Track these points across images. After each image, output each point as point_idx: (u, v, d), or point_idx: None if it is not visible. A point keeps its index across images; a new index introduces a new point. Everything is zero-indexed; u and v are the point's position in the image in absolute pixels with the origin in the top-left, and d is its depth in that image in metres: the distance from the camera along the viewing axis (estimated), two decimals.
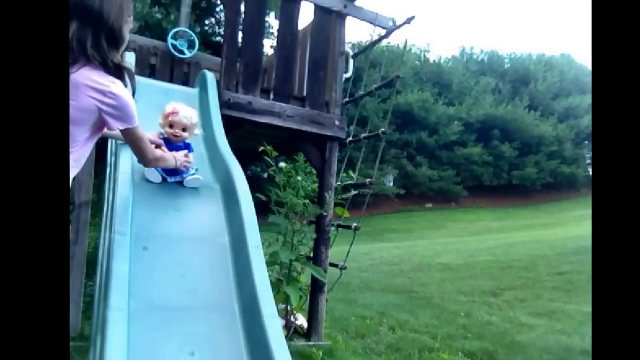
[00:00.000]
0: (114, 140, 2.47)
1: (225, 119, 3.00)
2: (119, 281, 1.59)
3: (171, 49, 4.93)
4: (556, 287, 6.05)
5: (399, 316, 4.72)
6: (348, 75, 4.10)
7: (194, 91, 3.34)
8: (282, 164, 3.62)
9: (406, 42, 5.87)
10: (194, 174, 2.24)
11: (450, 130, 28.22)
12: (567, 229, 13.21)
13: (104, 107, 1.53)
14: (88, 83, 1.48)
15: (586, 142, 29.80)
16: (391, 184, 26.98)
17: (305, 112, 3.65)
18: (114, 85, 1.53)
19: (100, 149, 2.98)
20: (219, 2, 12.36)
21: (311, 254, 3.73)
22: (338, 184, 3.85)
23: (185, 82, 4.82)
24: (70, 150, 1.47)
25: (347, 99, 4.25)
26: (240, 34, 3.53)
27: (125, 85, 1.63)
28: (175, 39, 5.01)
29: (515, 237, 12.13)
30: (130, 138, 1.78)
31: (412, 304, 5.40)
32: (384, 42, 4.49)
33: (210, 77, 3.25)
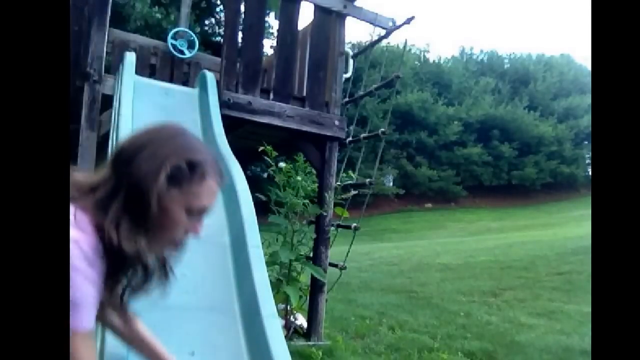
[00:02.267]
0: (114, 141, 2.48)
1: (225, 119, 3.00)
2: None
3: (171, 49, 4.93)
4: (556, 287, 6.05)
5: (398, 316, 4.72)
6: (348, 75, 4.10)
7: (194, 91, 3.34)
8: (282, 164, 3.62)
9: (406, 42, 5.87)
10: None
11: (449, 131, 28.23)
12: (567, 229, 13.21)
13: None
14: None
15: (586, 142, 29.82)
16: (391, 184, 26.99)
17: (305, 112, 3.65)
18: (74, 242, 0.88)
19: (101, 149, 2.99)
20: (219, 2, 12.36)
21: (311, 254, 3.73)
22: (338, 184, 3.85)
23: (185, 82, 4.81)
24: None
25: (346, 99, 4.25)
26: (240, 34, 3.53)
27: None
28: (176, 39, 5.00)
29: (515, 237, 12.14)
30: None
31: (411, 304, 5.40)
32: (384, 42, 4.51)
33: (210, 77, 3.25)
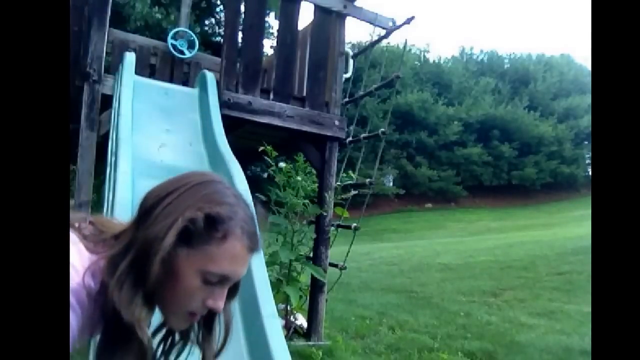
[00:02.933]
0: (113, 141, 2.48)
1: (225, 119, 3.00)
2: None
3: (171, 49, 4.93)
4: (556, 287, 6.05)
5: (398, 316, 4.72)
6: (348, 75, 4.10)
7: (194, 91, 3.34)
8: (282, 164, 3.62)
9: (406, 43, 5.86)
10: None
11: (450, 131, 28.23)
12: (567, 229, 13.21)
13: None
14: None
15: (586, 142, 29.81)
16: (391, 184, 26.98)
17: (305, 112, 3.65)
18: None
19: (101, 149, 2.99)
20: (219, 2, 12.35)
21: (311, 254, 3.74)
22: (338, 184, 3.85)
23: (185, 82, 4.82)
24: None
25: (346, 99, 4.25)
26: (240, 34, 3.53)
27: None
28: (176, 39, 5.00)
29: (515, 237, 12.14)
30: None
31: (411, 304, 5.39)
32: (384, 42, 4.50)
33: (210, 77, 3.25)
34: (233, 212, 0.83)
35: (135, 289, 0.80)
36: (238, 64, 3.45)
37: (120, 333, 0.82)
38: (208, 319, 0.92)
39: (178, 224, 0.79)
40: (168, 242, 0.78)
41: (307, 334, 3.63)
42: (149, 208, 0.84)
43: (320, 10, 3.74)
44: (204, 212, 0.80)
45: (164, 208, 0.82)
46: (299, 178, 3.44)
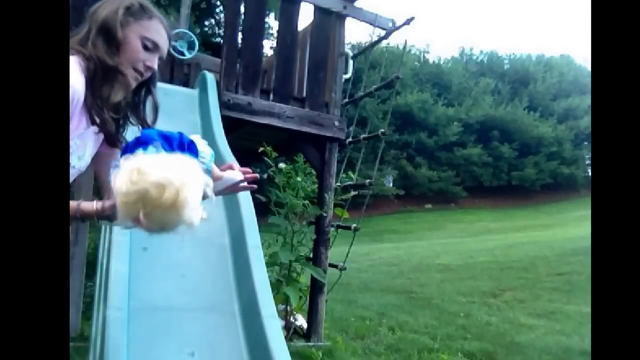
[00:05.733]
0: None
1: (225, 120, 3.01)
2: (119, 281, 1.59)
3: (171, 50, 4.92)
4: (555, 288, 6.05)
5: (398, 317, 4.72)
6: (348, 76, 4.10)
7: (194, 92, 3.35)
8: (281, 165, 3.62)
9: (406, 43, 5.85)
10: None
11: (449, 131, 28.23)
12: (567, 229, 13.21)
13: None
14: None
15: (585, 143, 29.79)
16: (391, 184, 26.97)
17: (304, 113, 3.65)
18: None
19: None
20: (218, 3, 12.36)
21: (311, 255, 3.73)
22: (338, 185, 3.85)
23: (186, 83, 4.81)
24: None
25: (346, 99, 4.25)
26: (240, 35, 3.53)
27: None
28: (175, 40, 5.00)
29: (515, 237, 12.14)
30: None
31: (411, 305, 5.40)
32: (384, 43, 4.51)
33: (210, 78, 3.26)
34: (156, 11, 1.26)
35: (109, 46, 1.19)
36: (238, 65, 3.45)
37: (105, 83, 1.19)
38: (138, 102, 1.32)
39: (123, 5, 1.21)
40: (120, 13, 1.19)
41: (307, 335, 3.63)
42: (95, 9, 1.24)
43: (320, 10, 3.74)
44: (138, 2, 1.23)
45: (108, 3, 1.23)
46: (298, 179, 3.44)
